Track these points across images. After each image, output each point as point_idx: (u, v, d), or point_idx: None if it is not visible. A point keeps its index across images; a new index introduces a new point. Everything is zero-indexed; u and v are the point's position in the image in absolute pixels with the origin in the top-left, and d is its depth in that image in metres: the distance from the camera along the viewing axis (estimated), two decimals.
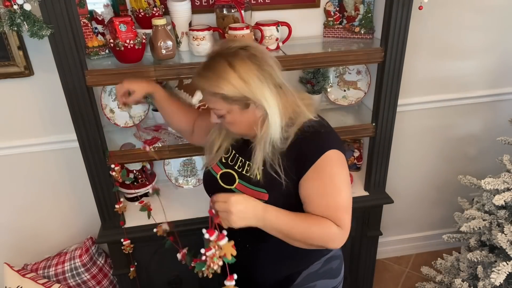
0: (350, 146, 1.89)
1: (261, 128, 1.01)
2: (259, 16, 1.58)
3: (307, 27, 1.66)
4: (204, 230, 0.94)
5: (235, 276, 0.97)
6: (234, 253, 0.94)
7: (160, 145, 1.50)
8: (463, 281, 1.61)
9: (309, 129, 1.03)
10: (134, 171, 1.70)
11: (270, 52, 1.50)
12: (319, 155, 1.00)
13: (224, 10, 1.48)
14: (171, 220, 1.63)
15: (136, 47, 1.31)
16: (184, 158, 1.82)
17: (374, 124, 1.62)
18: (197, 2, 1.55)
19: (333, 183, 1.02)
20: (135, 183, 1.71)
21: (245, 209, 0.95)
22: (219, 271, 0.95)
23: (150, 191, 1.50)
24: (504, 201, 1.43)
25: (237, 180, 1.11)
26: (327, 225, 1.01)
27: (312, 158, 1.01)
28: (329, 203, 1.02)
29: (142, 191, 1.75)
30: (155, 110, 1.65)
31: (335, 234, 1.01)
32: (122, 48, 1.29)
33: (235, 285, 0.99)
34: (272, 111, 0.99)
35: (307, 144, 1.02)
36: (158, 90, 1.26)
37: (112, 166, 1.37)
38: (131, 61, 1.35)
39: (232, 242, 0.94)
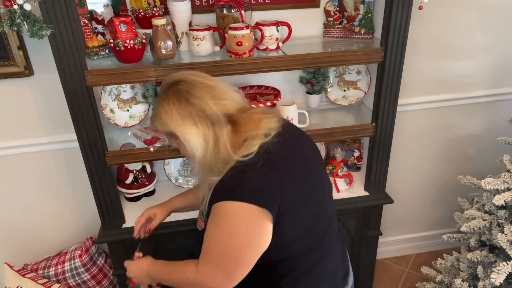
0: (350, 146, 1.89)
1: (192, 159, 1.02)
2: (259, 16, 1.58)
3: (307, 27, 1.67)
4: None
5: None
6: None
7: (160, 145, 1.49)
8: (463, 281, 1.61)
9: (230, 172, 0.95)
10: (134, 171, 1.71)
11: (270, 52, 1.50)
12: (216, 201, 0.94)
13: (224, 10, 1.48)
14: (171, 220, 1.63)
15: (136, 47, 1.31)
16: (184, 158, 1.82)
17: (374, 124, 1.62)
18: (197, 2, 1.55)
19: (215, 231, 0.96)
20: (135, 183, 1.71)
21: (136, 273, 1.19)
22: None
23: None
24: (504, 201, 1.43)
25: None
26: (185, 268, 1.05)
27: (213, 200, 0.96)
28: (204, 244, 1.00)
29: (142, 191, 1.75)
30: None
31: (191, 276, 1.02)
32: (122, 48, 1.29)
33: None
34: (191, 144, 0.97)
35: (217, 186, 0.96)
36: (175, 205, 1.38)
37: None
38: (131, 61, 1.35)
39: None
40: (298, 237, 1.02)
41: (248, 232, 0.94)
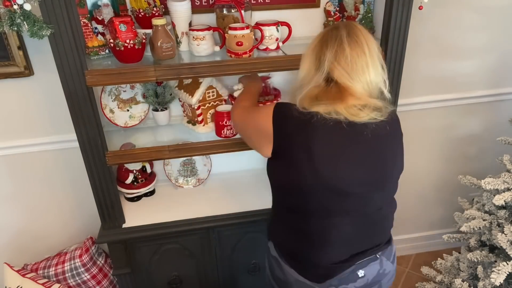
0: None
1: None
2: (259, 16, 1.58)
3: (307, 27, 1.66)
4: None
5: None
6: None
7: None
8: (463, 281, 1.61)
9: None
10: (134, 171, 1.70)
11: (270, 52, 1.50)
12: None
13: (224, 10, 1.48)
14: (170, 220, 1.64)
15: (136, 47, 1.31)
16: (184, 158, 1.82)
17: None
18: (197, 2, 1.55)
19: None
20: (135, 183, 1.71)
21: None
22: None
23: None
24: (504, 201, 1.43)
25: None
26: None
27: None
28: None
29: (142, 191, 1.75)
30: (155, 110, 1.66)
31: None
32: (122, 48, 1.29)
33: None
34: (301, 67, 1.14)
35: None
36: None
37: None
38: (131, 61, 1.35)
39: None
40: (281, 187, 1.16)
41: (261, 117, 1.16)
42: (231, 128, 1.55)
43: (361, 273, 1.16)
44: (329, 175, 1.05)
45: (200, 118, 1.62)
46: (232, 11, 1.48)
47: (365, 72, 1.04)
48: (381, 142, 1.09)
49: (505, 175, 1.51)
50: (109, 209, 1.55)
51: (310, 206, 1.10)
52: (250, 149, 1.59)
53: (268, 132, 1.11)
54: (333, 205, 1.09)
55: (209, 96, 1.61)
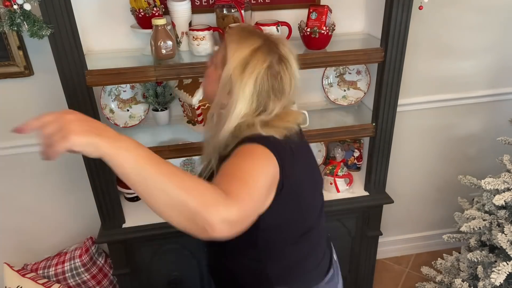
0: (350, 146, 1.89)
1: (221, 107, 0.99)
2: (259, 16, 1.58)
3: None
4: None
5: None
6: None
7: None
8: (463, 281, 1.61)
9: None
10: None
11: None
12: (239, 145, 0.94)
13: (224, 10, 1.48)
14: None
15: None
16: (184, 158, 1.82)
17: (374, 124, 1.62)
18: (197, 2, 1.55)
19: (238, 159, 0.90)
20: None
21: (86, 118, 0.74)
22: None
23: None
24: (504, 201, 1.43)
25: None
26: (206, 184, 0.75)
27: (233, 150, 0.94)
28: (225, 170, 0.86)
29: None
30: (155, 110, 1.65)
31: (215, 195, 0.73)
32: None
33: None
34: (235, 113, 0.95)
35: (241, 139, 0.97)
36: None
37: None
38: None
39: None
40: (290, 222, 1.03)
41: (266, 165, 0.91)
42: None
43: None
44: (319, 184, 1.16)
45: (200, 118, 1.62)
46: (232, 11, 1.48)
47: None
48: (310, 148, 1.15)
49: (505, 175, 1.51)
50: (109, 209, 1.55)
51: (309, 223, 1.10)
52: None
53: (275, 178, 0.92)
54: (317, 206, 1.13)
55: None
